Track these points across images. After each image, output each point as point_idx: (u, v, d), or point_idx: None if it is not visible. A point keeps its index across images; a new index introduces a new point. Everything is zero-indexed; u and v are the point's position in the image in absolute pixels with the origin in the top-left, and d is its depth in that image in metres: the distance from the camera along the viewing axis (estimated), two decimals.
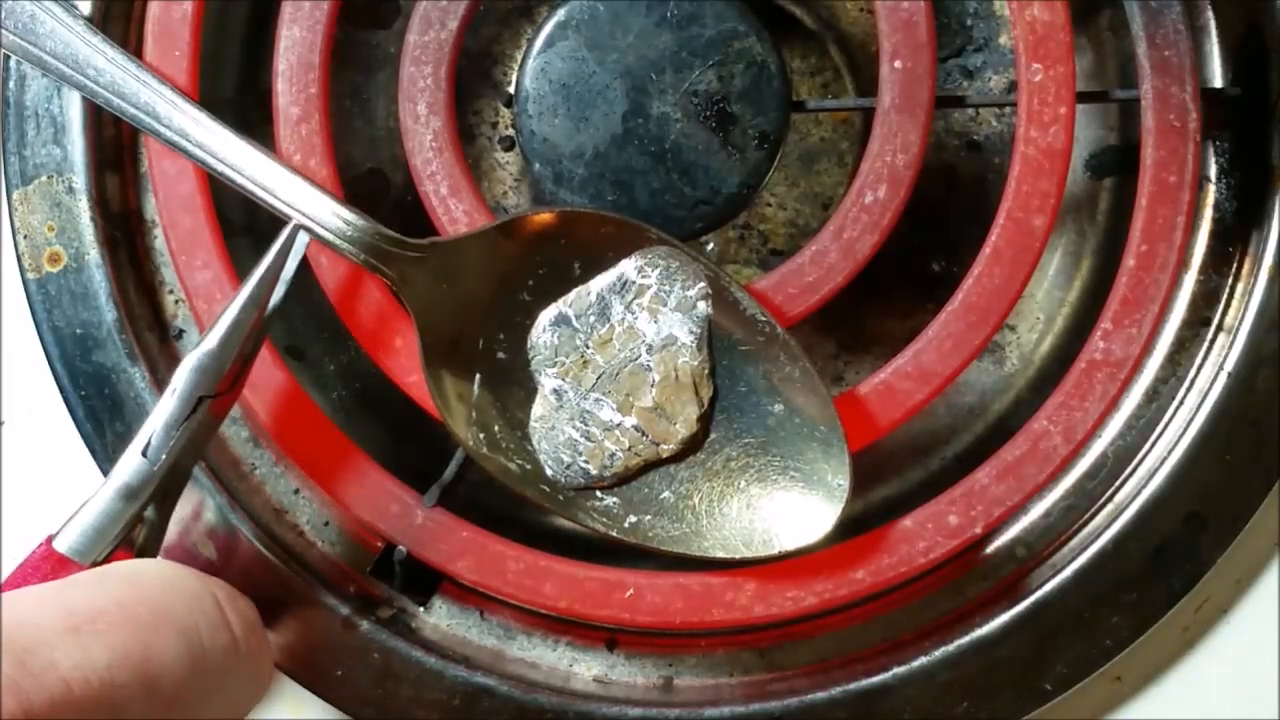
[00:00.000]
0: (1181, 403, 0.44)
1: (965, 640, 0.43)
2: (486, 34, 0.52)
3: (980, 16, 0.51)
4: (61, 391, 0.44)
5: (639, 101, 0.43)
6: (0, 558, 0.45)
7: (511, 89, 0.51)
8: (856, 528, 0.43)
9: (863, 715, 0.43)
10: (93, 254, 0.44)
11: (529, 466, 0.41)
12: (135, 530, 0.37)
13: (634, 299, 0.41)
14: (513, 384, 0.42)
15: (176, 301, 0.46)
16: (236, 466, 0.45)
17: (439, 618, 0.45)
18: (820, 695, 0.43)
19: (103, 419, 0.44)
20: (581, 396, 0.41)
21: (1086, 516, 0.45)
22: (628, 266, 0.41)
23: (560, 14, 0.43)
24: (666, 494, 0.41)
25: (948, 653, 0.43)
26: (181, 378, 0.38)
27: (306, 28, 0.43)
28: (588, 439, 0.41)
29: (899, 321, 0.51)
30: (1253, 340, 0.43)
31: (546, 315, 0.42)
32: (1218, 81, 0.46)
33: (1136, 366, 0.43)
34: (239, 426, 0.45)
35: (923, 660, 0.43)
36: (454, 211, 0.43)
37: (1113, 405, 0.43)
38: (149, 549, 0.38)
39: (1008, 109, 0.51)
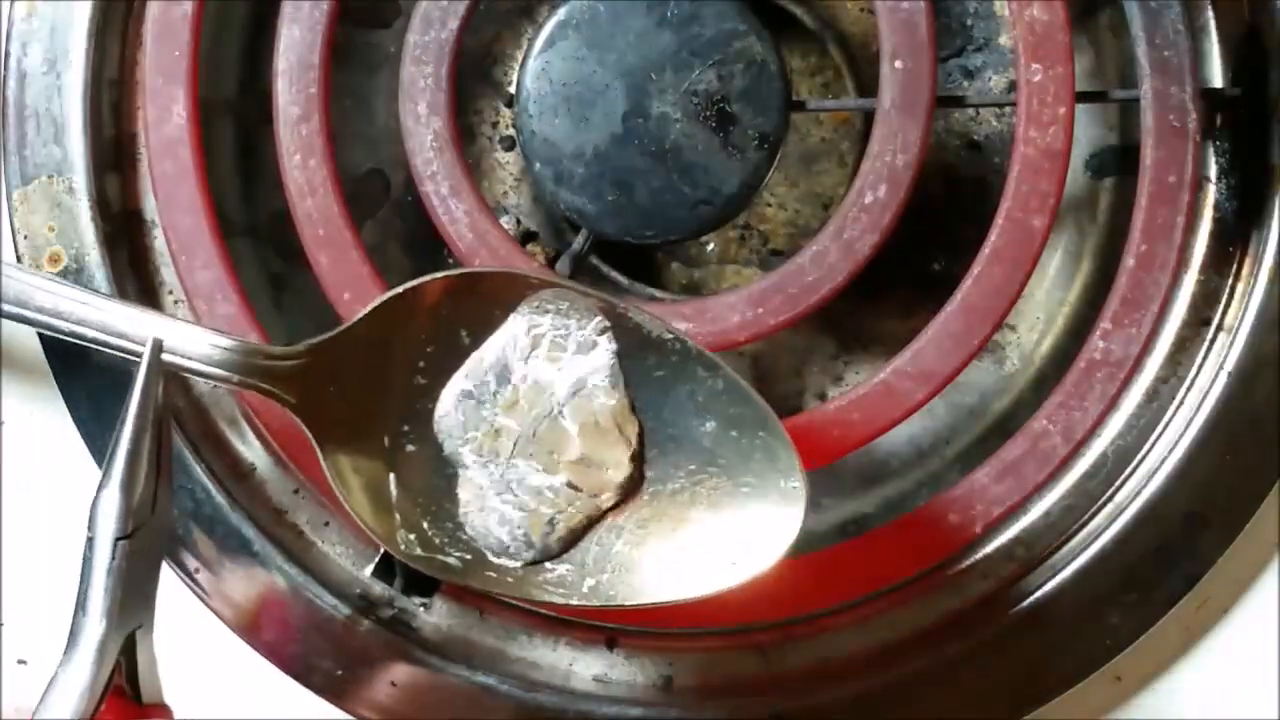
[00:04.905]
0: (1182, 403, 0.44)
1: (965, 640, 0.43)
2: (487, 34, 0.52)
3: (980, 16, 0.51)
4: (62, 391, 0.44)
5: (639, 101, 0.43)
6: (0, 557, 0.45)
7: (512, 89, 0.51)
8: (856, 528, 0.43)
9: (862, 715, 0.43)
10: (93, 254, 0.44)
11: (469, 556, 0.39)
12: (117, 670, 0.36)
13: (531, 352, 0.38)
14: (430, 474, 0.39)
15: (176, 302, 0.46)
16: (236, 467, 0.45)
17: (439, 618, 0.45)
18: (820, 695, 0.43)
19: (103, 419, 0.44)
20: (503, 467, 0.38)
21: (1086, 516, 0.44)
22: (516, 320, 0.38)
23: (561, 14, 0.43)
24: (618, 547, 0.38)
25: (947, 653, 0.43)
26: (93, 525, 0.36)
27: (306, 28, 0.43)
28: (521, 509, 0.38)
29: (899, 321, 0.51)
30: (1253, 340, 0.43)
31: (448, 393, 0.39)
32: (1218, 81, 0.46)
33: (1136, 366, 0.43)
34: (239, 427, 0.46)
35: (923, 660, 0.43)
36: (454, 211, 0.43)
37: (1112, 405, 0.43)
38: (144, 678, 0.37)
39: (1008, 109, 0.51)
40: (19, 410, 0.46)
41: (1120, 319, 0.43)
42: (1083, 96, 0.45)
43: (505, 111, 0.51)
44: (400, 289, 0.38)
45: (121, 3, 0.45)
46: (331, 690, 0.43)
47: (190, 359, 0.37)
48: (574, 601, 0.38)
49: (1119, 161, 0.51)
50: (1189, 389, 0.44)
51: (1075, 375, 0.43)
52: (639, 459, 0.38)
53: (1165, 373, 0.45)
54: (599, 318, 0.38)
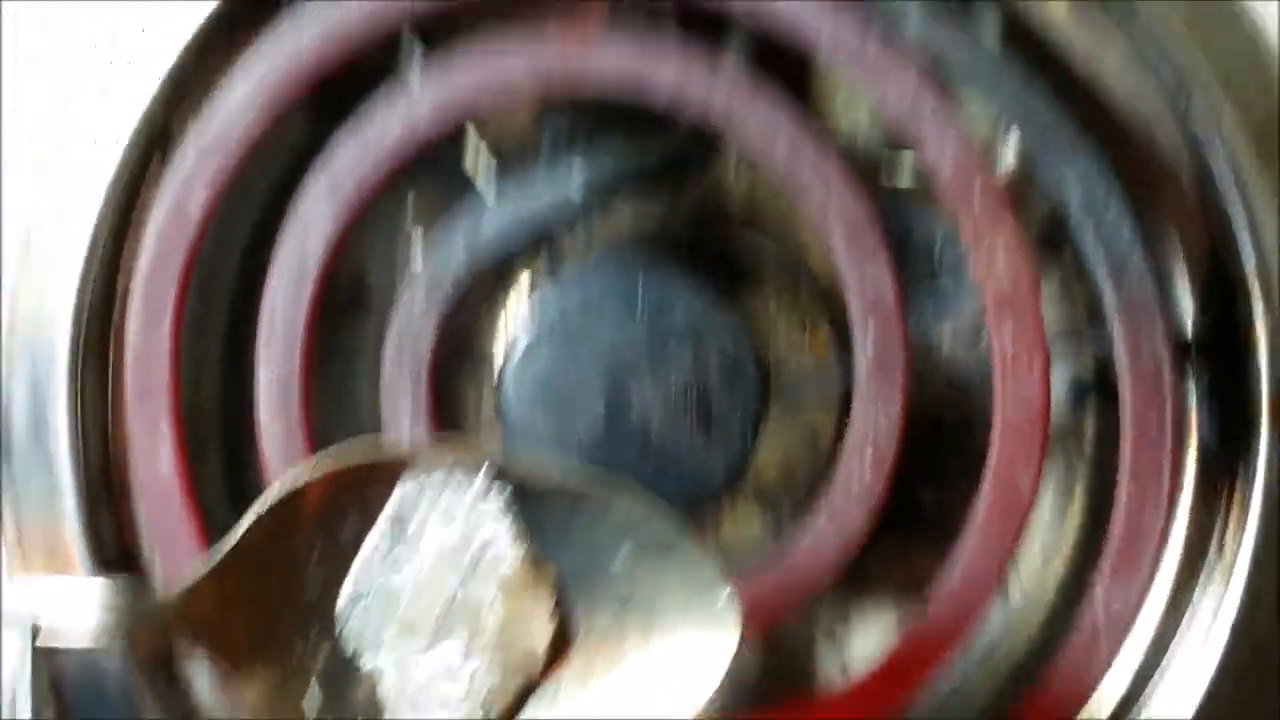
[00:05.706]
0: (1181, 649, 0.44)
1: None
2: (469, 314, 0.51)
3: (950, 242, 0.51)
4: None
5: (619, 397, 0.44)
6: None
7: (497, 362, 0.51)
8: None
9: None
10: None
11: None
12: None
13: (423, 528, 0.36)
14: (348, 685, 0.36)
15: None
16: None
17: None
18: None
19: None
20: (422, 659, 0.36)
21: None
22: (399, 501, 0.36)
23: (536, 316, 0.44)
24: (560, 705, 0.36)
25: None
26: None
27: (283, 371, 0.44)
28: (453, 699, 0.35)
29: (897, 564, 0.51)
30: (1253, 574, 0.44)
31: (343, 600, 0.36)
32: (1188, 315, 0.46)
33: (1135, 619, 0.43)
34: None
35: None
36: None
37: (1114, 660, 0.43)
38: None
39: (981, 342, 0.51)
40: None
41: (1118, 569, 0.43)
42: (1055, 340, 0.45)
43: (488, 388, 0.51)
44: (255, 513, 0.36)
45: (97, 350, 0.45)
46: None
47: (63, 624, 0.34)
48: None
49: (1100, 381, 0.51)
50: (1188, 633, 0.44)
51: (1082, 636, 0.43)
52: (560, 611, 0.36)
53: (1165, 624, 0.45)
54: (481, 473, 0.36)
